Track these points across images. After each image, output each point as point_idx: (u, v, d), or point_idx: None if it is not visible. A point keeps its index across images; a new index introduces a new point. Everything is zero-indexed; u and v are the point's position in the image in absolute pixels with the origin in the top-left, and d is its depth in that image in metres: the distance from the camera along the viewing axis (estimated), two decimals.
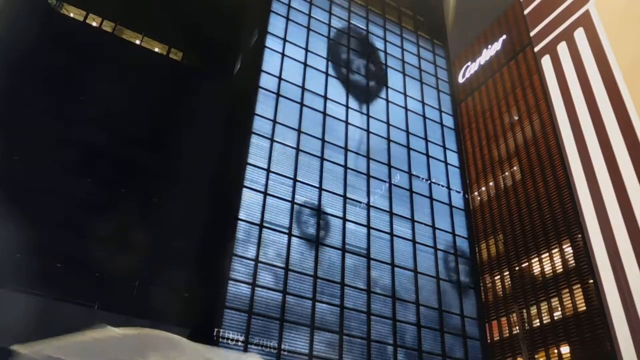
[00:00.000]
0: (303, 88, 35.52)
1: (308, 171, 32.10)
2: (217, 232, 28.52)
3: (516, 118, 44.83)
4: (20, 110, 27.36)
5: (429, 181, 37.24)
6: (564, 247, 35.50)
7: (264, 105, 32.90)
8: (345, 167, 33.82)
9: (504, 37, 50.25)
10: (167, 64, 35.44)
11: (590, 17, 40.62)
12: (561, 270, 34.99)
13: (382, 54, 42.57)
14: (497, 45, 50.69)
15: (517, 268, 38.36)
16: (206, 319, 24.80)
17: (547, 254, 36.39)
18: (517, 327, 35.76)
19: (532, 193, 39.86)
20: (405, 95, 41.35)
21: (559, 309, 34.06)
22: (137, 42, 35.34)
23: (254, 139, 31.15)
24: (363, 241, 31.39)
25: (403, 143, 38.12)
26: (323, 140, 34.00)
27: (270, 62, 35.09)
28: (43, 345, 8.63)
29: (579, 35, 40.94)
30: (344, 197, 32.41)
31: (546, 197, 38.31)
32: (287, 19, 38.23)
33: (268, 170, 30.49)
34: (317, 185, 31.85)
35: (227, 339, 24.09)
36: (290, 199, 30.29)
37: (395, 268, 31.41)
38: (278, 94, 33.99)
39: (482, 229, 43.12)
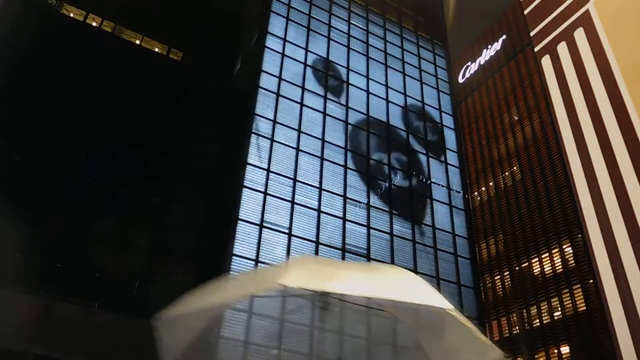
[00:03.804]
0: (303, 88, 35.54)
1: (308, 171, 32.13)
2: (217, 232, 28.51)
3: (516, 118, 44.80)
4: (20, 110, 27.35)
5: (429, 181, 37.24)
6: (564, 247, 35.48)
7: (264, 105, 32.93)
8: (345, 167, 33.82)
9: (504, 37, 50.23)
10: (167, 64, 35.40)
11: (590, 17, 40.60)
12: (561, 270, 34.97)
13: (382, 54, 42.57)
14: (497, 45, 50.68)
15: (517, 268, 38.34)
16: None
17: (547, 254, 36.37)
18: (517, 327, 35.76)
19: (532, 193, 39.84)
20: (405, 95, 41.36)
21: (559, 309, 34.05)
22: (137, 42, 35.32)
23: (254, 139, 31.17)
24: (363, 241, 31.40)
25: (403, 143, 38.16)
26: (323, 140, 34.01)
27: (270, 62, 35.10)
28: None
29: (579, 35, 40.93)
30: (344, 197, 32.41)
31: (546, 197, 38.29)
32: (287, 19, 38.24)
33: (268, 170, 30.51)
34: (317, 185, 31.86)
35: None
36: (290, 199, 30.30)
37: None
38: (278, 94, 34.00)
39: (482, 229, 43.10)
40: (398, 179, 35.67)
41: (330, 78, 37.55)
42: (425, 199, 36.01)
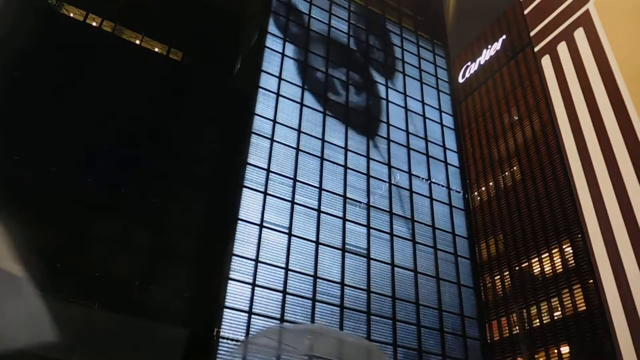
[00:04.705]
0: (303, 88, 35.53)
1: (308, 171, 32.11)
2: (217, 232, 28.51)
3: (516, 118, 44.77)
4: (20, 110, 27.35)
5: (429, 181, 37.24)
6: (564, 247, 35.44)
7: (264, 105, 32.92)
8: (345, 167, 33.82)
9: (504, 37, 50.20)
10: (167, 64, 35.41)
11: (590, 17, 40.57)
12: (561, 270, 34.93)
13: (381, 54, 42.57)
14: (497, 45, 50.64)
15: (517, 268, 38.30)
16: (206, 319, 24.79)
17: (547, 254, 36.33)
18: (517, 327, 35.72)
19: (532, 193, 39.79)
20: (405, 95, 41.35)
21: (559, 309, 34.01)
22: (137, 42, 35.32)
23: (254, 139, 31.16)
24: (363, 241, 31.39)
25: (403, 143, 38.12)
26: (323, 140, 34.00)
27: (270, 62, 35.10)
28: None
29: (579, 35, 40.89)
30: (344, 197, 32.40)
31: (546, 197, 38.25)
32: (287, 19, 38.25)
33: (268, 170, 30.50)
34: (317, 185, 31.85)
35: (227, 339, 24.10)
36: (290, 199, 30.29)
37: (395, 268, 31.42)
38: (278, 94, 34.00)
39: (482, 229, 43.03)
40: (398, 179, 35.68)
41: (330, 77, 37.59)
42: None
